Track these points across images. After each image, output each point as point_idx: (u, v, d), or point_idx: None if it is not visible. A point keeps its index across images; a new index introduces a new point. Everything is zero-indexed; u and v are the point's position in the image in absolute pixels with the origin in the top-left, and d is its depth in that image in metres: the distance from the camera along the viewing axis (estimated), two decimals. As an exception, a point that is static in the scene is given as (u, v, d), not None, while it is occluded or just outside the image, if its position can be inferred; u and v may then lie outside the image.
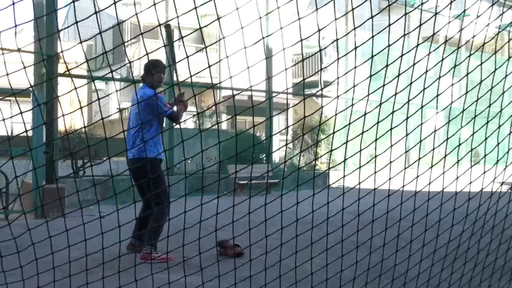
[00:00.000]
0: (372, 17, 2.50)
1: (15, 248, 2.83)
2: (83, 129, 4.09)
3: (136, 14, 3.20)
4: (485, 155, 3.31)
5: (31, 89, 2.88)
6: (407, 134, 2.82)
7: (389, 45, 2.62)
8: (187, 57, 2.43)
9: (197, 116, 15.04)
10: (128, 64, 17.78)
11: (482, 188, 3.57)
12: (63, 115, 2.43)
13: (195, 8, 2.34)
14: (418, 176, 3.04)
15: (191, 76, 2.42)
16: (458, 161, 3.22)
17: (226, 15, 2.68)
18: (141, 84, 5.66)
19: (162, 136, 5.38)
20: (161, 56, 19.19)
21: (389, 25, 2.49)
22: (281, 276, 3.14)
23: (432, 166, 3.00)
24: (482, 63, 3.13)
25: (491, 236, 3.70)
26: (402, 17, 2.54)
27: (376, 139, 2.86)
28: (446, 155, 3.11)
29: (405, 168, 2.99)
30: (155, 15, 2.59)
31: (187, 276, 3.38)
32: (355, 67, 2.70)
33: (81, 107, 2.40)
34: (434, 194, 3.33)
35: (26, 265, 2.98)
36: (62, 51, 2.23)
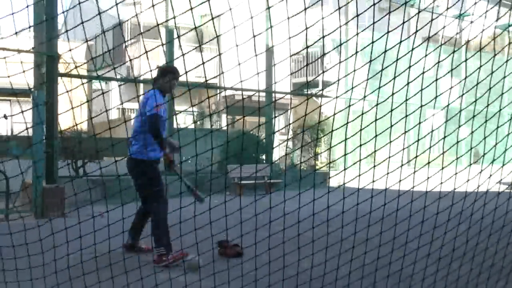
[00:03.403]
0: (358, 15, 2.51)
1: (15, 247, 2.84)
2: (83, 129, 4.10)
3: (136, 14, 3.20)
4: (469, 153, 3.31)
5: (31, 88, 2.89)
6: (404, 133, 2.83)
7: (382, 45, 2.63)
8: (183, 55, 2.45)
9: (196, 116, 15.04)
10: (129, 64, 17.78)
11: (478, 186, 3.58)
12: (63, 114, 2.44)
13: (191, 8, 2.35)
14: (415, 171, 3.05)
15: (185, 73, 2.43)
16: (455, 159, 3.23)
17: (223, 14, 2.69)
18: (150, 90, 5.13)
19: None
20: (160, 56, 19.19)
21: (386, 27, 2.51)
22: (271, 271, 3.15)
23: (428, 163, 3.01)
24: (481, 65, 3.15)
25: (489, 236, 3.71)
26: (386, 15, 2.55)
27: (376, 137, 2.87)
28: (442, 153, 3.12)
29: (402, 166, 3.00)
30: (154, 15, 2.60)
31: (187, 275, 3.39)
32: (339, 61, 2.71)
33: (80, 107, 2.41)
34: (431, 194, 3.34)
35: (24, 264, 2.99)
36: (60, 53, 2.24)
